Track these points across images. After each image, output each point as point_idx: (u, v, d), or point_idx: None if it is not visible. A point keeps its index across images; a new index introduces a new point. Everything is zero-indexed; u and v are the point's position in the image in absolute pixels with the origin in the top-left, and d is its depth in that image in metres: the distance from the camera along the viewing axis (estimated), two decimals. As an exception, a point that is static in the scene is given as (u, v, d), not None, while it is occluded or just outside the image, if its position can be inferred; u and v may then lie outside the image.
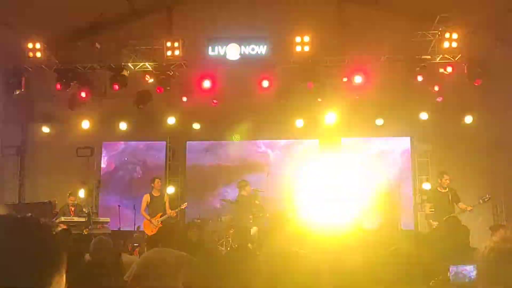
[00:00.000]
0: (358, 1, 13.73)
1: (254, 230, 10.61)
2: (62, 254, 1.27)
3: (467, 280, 3.17)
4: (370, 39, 11.48)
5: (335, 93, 13.43)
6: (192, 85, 12.35)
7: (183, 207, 12.18)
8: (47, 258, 1.23)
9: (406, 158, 13.87)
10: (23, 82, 11.86)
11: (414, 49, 11.18)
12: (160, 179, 11.66)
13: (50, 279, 1.22)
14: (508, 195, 13.22)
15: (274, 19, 12.98)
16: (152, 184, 11.56)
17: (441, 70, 11.36)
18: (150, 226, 11.20)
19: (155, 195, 11.44)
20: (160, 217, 11.23)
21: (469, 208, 10.27)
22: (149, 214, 11.33)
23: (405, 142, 13.92)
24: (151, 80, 11.84)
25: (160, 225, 11.09)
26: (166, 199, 11.52)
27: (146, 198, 11.48)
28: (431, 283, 3.30)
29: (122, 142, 14.75)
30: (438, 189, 10.55)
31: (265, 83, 11.45)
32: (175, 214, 11.51)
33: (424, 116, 13.04)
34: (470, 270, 3.21)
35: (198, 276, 4.49)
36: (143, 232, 11.31)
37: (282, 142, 13.86)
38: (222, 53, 11.15)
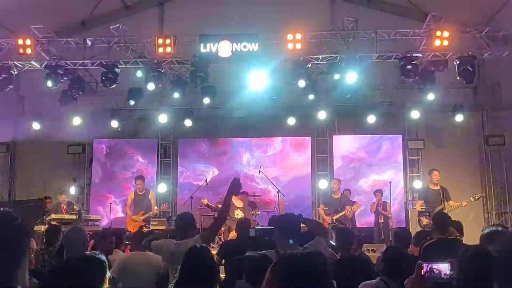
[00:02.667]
0: (350, -1, 13.75)
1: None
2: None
3: (443, 277, 3.16)
4: (362, 36, 11.49)
5: (327, 90, 13.47)
6: (184, 82, 12.32)
7: (162, 208, 12.16)
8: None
9: (397, 156, 13.89)
10: (13, 78, 11.76)
11: (405, 47, 11.20)
12: (141, 180, 11.60)
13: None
14: (499, 192, 13.31)
15: (266, 17, 12.98)
16: (135, 183, 11.63)
17: (432, 68, 11.38)
18: (132, 224, 11.20)
19: (139, 193, 11.44)
20: (142, 215, 11.20)
21: (464, 204, 10.35)
22: (132, 211, 11.31)
23: (396, 140, 13.94)
24: (142, 77, 11.78)
25: (142, 224, 11.07)
26: (151, 197, 11.47)
27: (131, 195, 11.51)
28: (405, 282, 3.30)
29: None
30: (430, 186, 10.59)
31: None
32: (156, 211, 11.47)
33: (415, 114, 13.09)
34: (444, 268, 3.20)
35: None
36: (127, 229, 11.23)
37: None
38: (214, 50, 11.11)
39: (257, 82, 11.57)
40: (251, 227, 9.90)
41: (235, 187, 5.11)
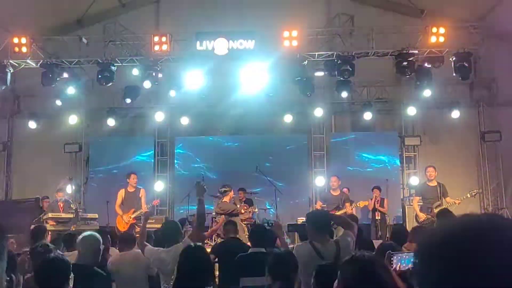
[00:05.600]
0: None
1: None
2: None
3: (408, 267, 3.26)
4: (358, 33, 11.50)
5: (324, 87, 13.48)
6: (180, 80, 12.31)
7: (154, 203, 12.08)
8: None
9: (393, 152, 13.91)
10: (8, 77, 11.71)
11: (401, 44, 11.21)
12: (135, 174, 11.45)
13: None
14: (495, 188, 13.35)
15: (262, 14, 12.96)
16: (128, 180, 11.39)
17: (428, 64, 11.39)
18: (122, 222, 11.10)
19: (130, 190, 11.30)
20: (133, 213, 11.11)
21: (457, 202, 10.36)
22: (123, 210, 11.21)
23: (393, 137, 13.96)
24: (138, 75, 11.76)
25: (133, 222, 11.00)
26: (142, 194, 11.37)
27: (121, 193, 11.30)
28: None
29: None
30: (427, 182, 10.61)
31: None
32: (146, 210, 11.40)
33: (411, 110, 13.11)
34: (410, 258, 3.28)
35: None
36: (116, 228, 11.14)
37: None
38: (210, 47, 11.09)
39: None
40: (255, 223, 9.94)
41: (199, 189, 5.56)
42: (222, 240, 8.06)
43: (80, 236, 4.74)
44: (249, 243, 6.39)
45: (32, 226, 9.38)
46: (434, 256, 0.97)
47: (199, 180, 5.62)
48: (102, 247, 4.81)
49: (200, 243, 5.24)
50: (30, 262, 6.14)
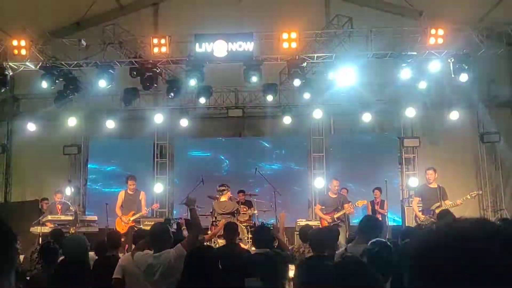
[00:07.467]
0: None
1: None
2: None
3: None
4: (357, 35, 11.51)
5: (322, 89, 13.48)
6: (179, 82, 12.32)
7: (154, 207, 12.09)
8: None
9: (393, 154, 13.92)
10: (8, 79, 11.72)
11: (400, 45, 11.22)
12: (133, 180, 11.42)
13: None
14: (494, 189, 13.36)
15: (261, 16, 12.98)
16: (126, 183, 11.43)
17: (427, 66, 11.40)
18: (121, 224, 11.11)
19: (130, 192, 11.32)
20: (132, 215, 11.11)
21: (458, 202, 10.36)
22: (122, 212, 11.22)
23: (392, 138, 13.96)
24: (137, 77, 11.76)
25: (132, 224, 11.00)
26: (142, 197, 11.38)
27: (121, 194, 11.33)
28: None
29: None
30: (427, 184, 10.61)
31: (253, 79, 11.43)
32: (146, 213, 11.41)
33: (410, 111, 13.11)
34: None
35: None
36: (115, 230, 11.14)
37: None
38: (209, 50, 11.11)
39: (253, 80, 11.47)
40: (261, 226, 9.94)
41: (189, 201, 5.47)
42: (222, 245, 8.05)
43: None
44: (247, 246, 6.36)
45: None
46: (415, 256, 1.08)
47: (189, 195, 5.45)
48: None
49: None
50: (40, 260, 6.06)
